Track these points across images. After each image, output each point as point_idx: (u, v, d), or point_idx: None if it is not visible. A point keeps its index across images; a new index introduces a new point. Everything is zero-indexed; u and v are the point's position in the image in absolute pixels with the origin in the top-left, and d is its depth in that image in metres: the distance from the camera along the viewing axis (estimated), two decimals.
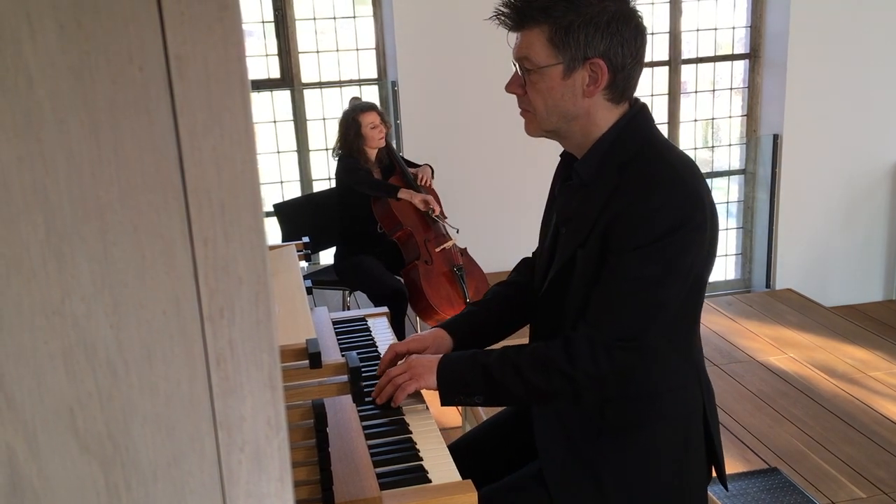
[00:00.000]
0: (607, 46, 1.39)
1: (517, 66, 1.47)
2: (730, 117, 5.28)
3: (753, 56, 5.11)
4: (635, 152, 1.44)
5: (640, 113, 1.49)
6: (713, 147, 5.32)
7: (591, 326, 1.43)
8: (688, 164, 1.46)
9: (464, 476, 1.38)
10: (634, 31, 1.42)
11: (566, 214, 1.54)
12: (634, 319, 1.41)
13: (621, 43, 1.40)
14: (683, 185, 1.40)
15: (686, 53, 5.09)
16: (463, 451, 1.74)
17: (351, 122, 3.73)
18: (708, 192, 1.45)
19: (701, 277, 1.48)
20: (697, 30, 5.08)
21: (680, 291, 1.43)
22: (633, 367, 1.44)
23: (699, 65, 5.17)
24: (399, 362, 1.62)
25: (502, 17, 1.45)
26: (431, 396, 1.58)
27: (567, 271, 1.50)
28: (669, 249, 1.38)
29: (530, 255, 1.82)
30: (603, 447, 1.50)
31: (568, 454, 1.51)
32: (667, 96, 5.10)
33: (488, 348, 1.58)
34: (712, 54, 5.15)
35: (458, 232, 3.88)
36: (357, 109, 3.75)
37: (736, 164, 5.29)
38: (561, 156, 1.63)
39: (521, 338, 1.76)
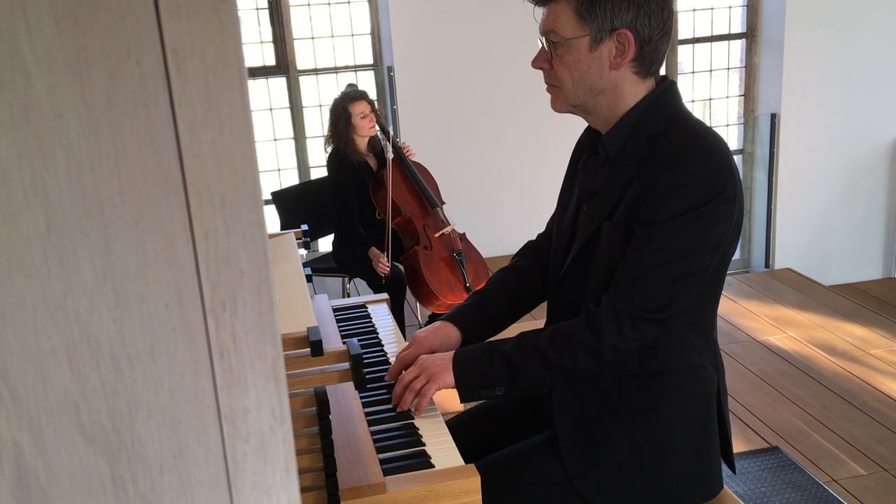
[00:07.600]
0: (634, 17, 1.38)
1: (543, 40, 1.45)
2: (727, 97, 5.27)
3: (750, 35, 5.09)
4: (664, 126, 1.43)
5: (668, 89, 1.47)
6: (711, 127, 5.31)
7: (615, 298, 1.40)
8: (717, 138, 1.44)
9: (465, 445, 1.34)
10: (661, 3, 1.40)
11: (590, 190, 1.51)
12: (661, 291, 1.39)
13: (648, 14, 1.38)
14: (716, 157, 1.39)
15: (683, 34, 5.07)
16: (465, 422, 1.74)
17: (341, 112, 3.70)
18: (736, 166, 1.44)
19: (726, 253, 1.46)
20: (694, 10, 5.06)
21: (708, 265, 1.41)
22: (657, 341, 1.43)
23: (696, 45, 5.15)
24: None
25: None
26: (443, 393, 1.55)
27: (591, 247, 1.47)
28: (700, 221, 1.36)
29: (535, 239, 1.79)
30: (620, 425, 1.49)
31: (584, 431, 1.51)
32: None
33: (499, 338, 1.56)
34: (709, 34, 5.13)
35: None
36: (347, 98, 3.71)
37: (734, 144, 5.28)
38: (584, 132, 1.60)
39: (522, 324, 1.76)
